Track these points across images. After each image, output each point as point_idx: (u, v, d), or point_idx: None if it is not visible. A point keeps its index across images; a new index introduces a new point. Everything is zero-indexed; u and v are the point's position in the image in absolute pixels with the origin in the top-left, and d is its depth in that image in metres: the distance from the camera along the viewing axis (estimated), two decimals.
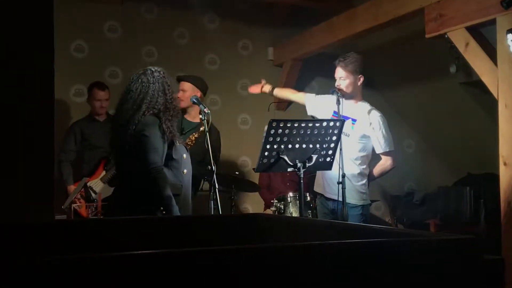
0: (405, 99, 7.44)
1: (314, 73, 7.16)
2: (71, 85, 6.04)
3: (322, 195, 4.46)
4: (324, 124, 3.68)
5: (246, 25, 6.88)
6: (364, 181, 4.35)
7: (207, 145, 3.68)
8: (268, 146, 3.60)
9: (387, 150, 4.35)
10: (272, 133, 3.57)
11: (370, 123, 4.31)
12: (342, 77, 4.31)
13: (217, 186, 3.68)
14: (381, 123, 4.32)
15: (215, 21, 6.76)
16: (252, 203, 6.62)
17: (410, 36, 5.97)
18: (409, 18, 4.97)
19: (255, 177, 6.28)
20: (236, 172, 5.46)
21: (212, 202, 3.71)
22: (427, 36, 4.64)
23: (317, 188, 4.56)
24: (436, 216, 6.15)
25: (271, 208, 5.53)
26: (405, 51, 6.58)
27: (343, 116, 4.15)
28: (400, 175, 6.63)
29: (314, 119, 3.78)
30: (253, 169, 3.98)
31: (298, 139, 3.64)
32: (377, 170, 4.45)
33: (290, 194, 5.41)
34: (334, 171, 4.01)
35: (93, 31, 6.17)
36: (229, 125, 6.75)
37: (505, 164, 3.99)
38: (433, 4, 4.53)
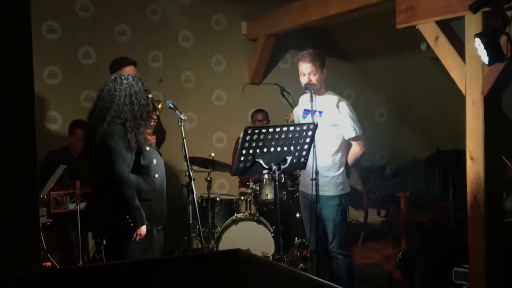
0: (377, 70, 7.54)
1: (288, 46, 7.21)
2: (44, 67, 6.00)
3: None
4: (298, 128, 3.80)
5: None
6: (340, 171, 4.46)
7: (184, 151, 3.74)
8: (244, 152, 3.70)
9: (354, 135, 4.44)
10: (247, 139, 3.67)
11: (339, 113, 4.41)
12: (312, 71, 4.40)
13: (194, 193, 3.78)
14: (347, 110, 4.43)
15: None
16: (229, 179, 6.75)
17: (384, 12, 6.02)
18: (381, 4, 5.02)
19: (231, 153, 6.40)
20: (212, 154, 5.55)
21: (190, 207, 3.82)
22: (398, 26, 4.70)
23: (300, 187, 4.71)
24: (407, 190, 6.34)
25: (247, 190, 5.69)
26: (378, 24, 6.63)
27: (310, 110, 4.28)
28: (372, 144, 6.80)
29: (287, 124, 3.87)
30: (229, 172, 4.09)
31: (272, 143, 3.75)
32: (349, 157, 4.56)
33: (266, 176, 5.54)
34: (309, 168, 4.15)
35: (64, 11, 6.09)
36: (203, 101, 6.82)
37: (471, 158, 4.15)
38: None
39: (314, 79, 4.40)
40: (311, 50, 4.45)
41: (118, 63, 5.17)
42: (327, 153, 4.41)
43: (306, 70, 4.41)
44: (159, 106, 4.21)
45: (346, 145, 4.53)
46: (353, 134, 4.43)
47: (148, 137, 4.60)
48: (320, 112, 4.43)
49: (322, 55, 4.47)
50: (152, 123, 4.33)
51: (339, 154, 4.47)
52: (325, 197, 4.34)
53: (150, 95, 4.55)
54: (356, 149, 4.53)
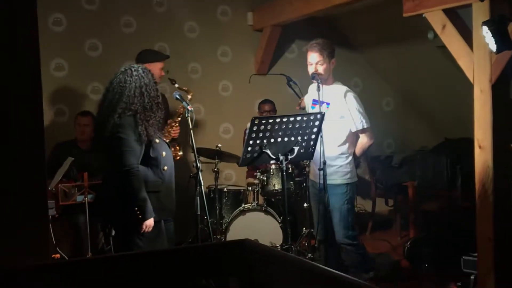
0: (384, 59, 7.51)
1: (294, 36, 7.19)
2: (51, 60, 6.01)
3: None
4: (305, 118, 3.80)
5: None
6: (347, 161, 4.46)
7: (191, 142, 3.75)
8: (251, 142, 3.70)
9: (361, 127, 4.44)
10: (254, 129, 3.67)
11: (346, 104, 4.41)
12: (320, 61, 4.41)
13: (202, 184, 3.79)
14: (355, 102, 4.44)
15: None
16: (236, 170, 6.75)
17: (390, 1, 5.99)
18: None
19: (237, 144, 6.40)
20: (219, 145, 5.56)
21: (198, 198, 3.82)
22: (404, 15, 4.68)
23: (310, 176, 4.73)
24: (414, 179, 6.32)
25: (255, 181, 5.69)
26: (385, 13, 6.60)
27: (318, 101, 4.31)
28: (379, 134, 6.78)
29: (294, 114, 3.85)
30: (237, 163, 4.10)
31: (280, 133, 3.75)
32: (357, 149, 4.57)
33: (273, 166, 5.54)
34: (317, 158, 4.17)
35: (70, 3, 6.09)
36: (210, 92, 6.81)
37: (480, 147, 4.13)
38: None
39: (321, 69, 4.40)
40: (320, 39, 4.44)
41: (149, 57, 5.19)
42: (334, 143, 4.42)
43: (314, 60, 4.40)
44: (189, 95, 4.25)
45: (353, 135, 4.53)
46: (360, 127, 4.44)
47: (174, 127, 4.63)
48: (328, 104, 4.44)
49: (331, 45, 4.47)
50: (181, 111, 4.33)
51: (347, 145, 4.48)
52: (332, 186, 4.36)
53: (176, 85, 4.59)
54: (363, 141, 4.53)
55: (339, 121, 4.42)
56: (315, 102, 4.48)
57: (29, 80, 2.40)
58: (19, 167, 2.28)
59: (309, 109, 4.61)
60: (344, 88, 4.49)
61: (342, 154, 4.45)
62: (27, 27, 2.39)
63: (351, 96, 4.44)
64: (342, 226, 4.43)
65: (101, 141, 3.66)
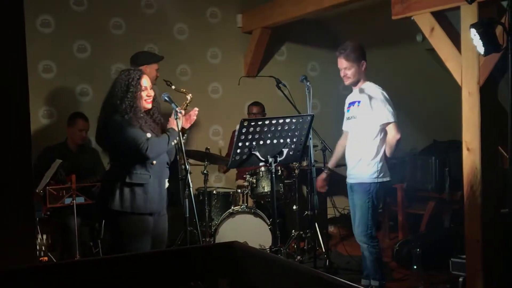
0: (373, 62, 7.46)
1: (283, 38, 7.20)
2: (39, 61, 5.97)
3: None
4: (294, 120, 3.79)
5: None
6: (373, 160, 4.41)
7: (180, 145, 3.73)
8: (240, 144, 3.69)
9: (386, 121, 4.37)
10: (243, 131, 3.66)
11: (371, 100, 4.40)
12: (347, 67, 4.48)
13: (191, 186, 3.77)
14: (380, 97, 4.41)
15: None
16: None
17: (379, 3, 6.01)
18: None
19: (227, 146, 6.41)
20: (208, 147, 5.55)
21: (186, 200, 3.81)
22: (393, 17, 4.71)
23: None
24: (403, 181, 6.34)
25: (244, 183, 5.69)
26: (374, 15, 6.64)
27: (351, 102, 4.52)
28: None
29: (283, 116, 3.82)
30: (226, 165, 4.09)
31: (269, 135, 3.74)
32: (386, 147, 4.48)
33: (262, 168, 5.54)
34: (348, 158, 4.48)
35: (59, 5, 6.06)
36: (199, 94, 6.78)
37: (468, 149, 4.15)
38: None
39: (349, 73, 4.50)
40: (348, 44, 4.50)
41: (146, 59, 5.23)
42: (362, 142, 4.44)
43: (342, 65, 4.51)
44: (189, 96, 4.27)
45: (382, 134, 4.44)
46: (384, 121, 4.35)
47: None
48: (359, 102, 4.46)
49: (358, 49, 4.49)
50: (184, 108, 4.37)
51: (374, 144, 4.40)
52: (356, 184, 4.47)
53: (173, 86, 4.61)
54: (389, 136, 4.38)
55: (367, 118, 4.40)
56: (350, 104, 4.58)
57: (15, 81, 2.38)
58: (5, 169, 2.26)
59: (345, 112, 4.66)
60: (374, 85, 4.50)
61: (368, 153, 4.42)
62: (14, 28, 2.37)
63: (378, 91, 4.43)
64: (361, 223, 4.41)
65: (104, 143, 3.82)
